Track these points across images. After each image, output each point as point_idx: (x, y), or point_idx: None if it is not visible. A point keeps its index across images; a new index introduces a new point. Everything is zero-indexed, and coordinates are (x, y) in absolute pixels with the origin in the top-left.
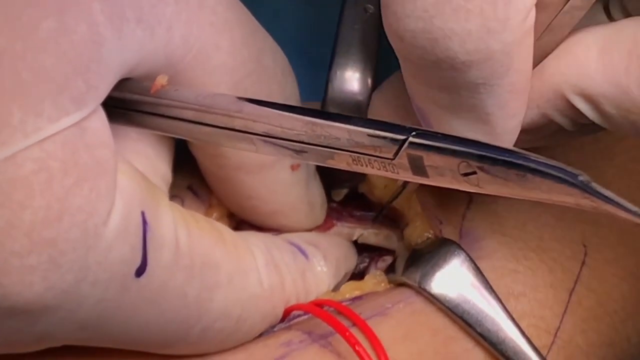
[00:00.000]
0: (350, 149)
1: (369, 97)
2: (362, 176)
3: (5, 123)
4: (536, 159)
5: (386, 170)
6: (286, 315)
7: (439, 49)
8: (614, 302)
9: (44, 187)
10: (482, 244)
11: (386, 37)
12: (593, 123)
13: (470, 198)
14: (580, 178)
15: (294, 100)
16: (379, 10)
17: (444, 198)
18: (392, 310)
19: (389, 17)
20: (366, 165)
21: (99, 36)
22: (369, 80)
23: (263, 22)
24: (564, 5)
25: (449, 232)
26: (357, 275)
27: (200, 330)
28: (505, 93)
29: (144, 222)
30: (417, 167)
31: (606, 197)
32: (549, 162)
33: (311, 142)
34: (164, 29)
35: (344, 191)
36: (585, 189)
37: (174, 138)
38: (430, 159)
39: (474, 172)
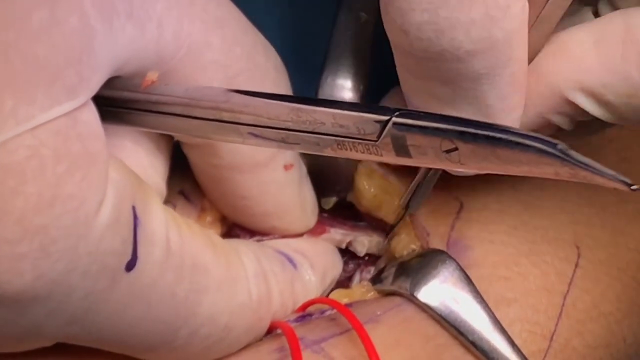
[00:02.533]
0: (335, 134)
1: None
2: (351, 185)
3: None
4: (516, 132)
5: (370, 153)
6: (271, 329)
7: (444, 39)
8: (609, 303)
9: (36, 174)
10: (470, 254)
11: (379, 46)
12: (589, 121)
13: (460, 206)
14: (559, 147)
15: None
16: (373, 18)
17: (433, 208)
18: (383, 317)
19: (392, 12)
20: (350, 150)
21: (90, 28)
22: (361, 88)
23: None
24: None
25: (436, 243)
26: (342, 282)
27: (187, 335)
28: (506, 84)
29: (135, 217)
30: (400, 148)
31: (583, 163)
32: (528, 134)
33: (297, 128)
34: (154, 25)
35: (333, 199)
36: (563, 157)
37: (168, 150)
38: (413, 139)
39: (456, 149)
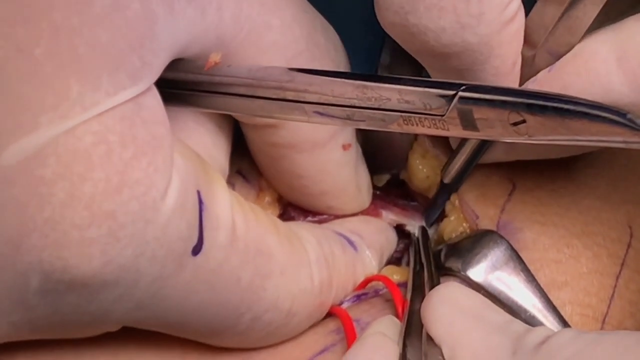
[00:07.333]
0: (401, 109)
1: None
2: (404, 163)
3: (64, 96)
4: (584, 102)
5: (437, 128)
6: (329, 313)
7: (416, 41)
8: None
9: (104, 160)
10: (520, 236)
11: None
12: None
13: (512, 187)
14: (629, 116)
15: None
16: None
17: (483, 191)
18: None
19: (375, 6)
20: (417, 125)
21: (151, 13)
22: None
23: None
24: None
25: (485, 226)
26: (393, 262)
27: (250, 320)
28: (490, 76)
29: (200, 202)
30: (467, 121)
31: None
32: (597, 104)
33: (362, 105)
34: (214, 8)
35: (386, 177)
36: (633, 126)
37: (230, 130)
38: (480, 112)
39: (523, 121)
